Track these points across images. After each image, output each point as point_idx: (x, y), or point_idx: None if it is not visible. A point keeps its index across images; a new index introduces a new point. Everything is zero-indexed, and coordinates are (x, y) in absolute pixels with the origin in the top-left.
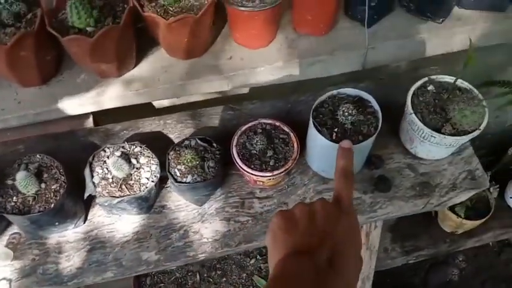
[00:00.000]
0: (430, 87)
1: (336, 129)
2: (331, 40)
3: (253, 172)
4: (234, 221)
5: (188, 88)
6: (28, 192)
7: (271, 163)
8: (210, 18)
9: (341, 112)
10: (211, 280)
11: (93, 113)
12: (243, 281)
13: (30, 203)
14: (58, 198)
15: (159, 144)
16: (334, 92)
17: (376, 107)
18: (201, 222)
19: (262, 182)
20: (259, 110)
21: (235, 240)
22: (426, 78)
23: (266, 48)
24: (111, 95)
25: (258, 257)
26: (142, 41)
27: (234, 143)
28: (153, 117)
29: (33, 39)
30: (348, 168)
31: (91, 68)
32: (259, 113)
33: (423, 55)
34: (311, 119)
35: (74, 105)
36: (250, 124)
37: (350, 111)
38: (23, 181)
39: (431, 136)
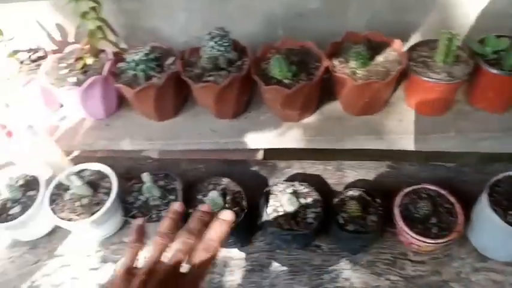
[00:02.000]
0: None
1: (511, 212)
2: (508, 119)
3: (415, 236)
4: (384, 278)
5: (357, 142)
6: (215, 209)
7: (433, 230)
8: (394, 84)
9: None
10: None
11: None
12: None
13: None
14: (239, 219)
15: (318, 187)
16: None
17: None
18: (352, 271)
19: (418, 246)
20: (418, 172)
21: None
22: None
23: (440, 117)
24: (288, 137)
25: None
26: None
27: (397, 203)
28: (314, 161)
29: (239, 83)
30: (217, 244)
31: (278, 112)
32: (418, 176)
33: None
34: (486, 195)
35: (255, 139)
36: (414, 187)
37: None
38: (213, 200)
39: None
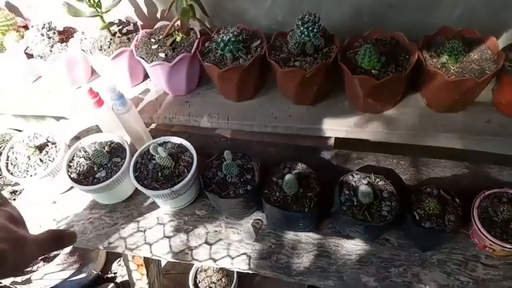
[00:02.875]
0: None
1: None
2: None
3: (492, 239)
4: (454, 277)
5: (438, 140)
6: (289, 192)
7: None
8: (487, 84)
9: None
10: None
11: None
12: None
13: (289, 202)
14: (312, 204)
15: (390, 181)
16: None
17: None
18: (421, 267)
19: (493, 249)
20: (497, 176)
21: None
22: None
23: None
24: (366, 128)
25: None
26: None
27: (476, 205)
28: (387, 154)
29: (324, 70)
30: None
31: (361, 101)
32: (498, 180)
33: None
34: None
35: (331, 128)
36: (495, 190)
37: None
38: (289, 183)
39: None
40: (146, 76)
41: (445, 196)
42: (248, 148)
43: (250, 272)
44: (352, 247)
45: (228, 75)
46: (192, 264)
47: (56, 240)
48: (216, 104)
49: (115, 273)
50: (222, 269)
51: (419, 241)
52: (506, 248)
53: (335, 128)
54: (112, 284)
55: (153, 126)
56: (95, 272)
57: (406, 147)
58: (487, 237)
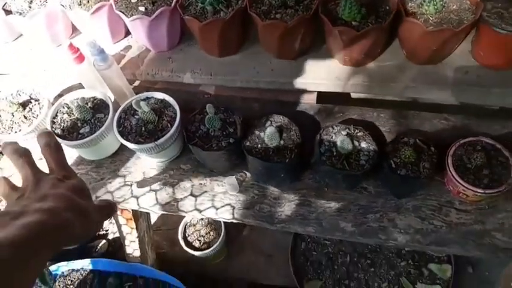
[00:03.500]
0: None
1: None
2: None
3: (465, 184)
4: (428, 222)
5: (418, 91)
6: (271, 144)
7: (485, 181)
8: (465, 34)
9: None
10: (359, 266)
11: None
12: (390, 277)
13: (270, 153)
14: (292, 155)
15: (371, 133)
16: None
17: None
18: (397, 213)
19: (466, 195)
20: (474, 127)
21: (426, 240)
22: None
23: (507, 71)
24: (347, 82)
25: (410, 261)
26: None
27: (451, 153)
28: (368, 108)
29: (306, 22)
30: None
31: (342, 54)
32: (474, 130)
33: None
34: None
35: (313, 82)
36: (470, 139)
37: None
38: (270, 135)
39: None
40: (128, 32)
41: (420, 145)
42: (232, 104)
43: (234, 221)
44: (332, 196)
45: (208, 29)
46: (181, 220)
47: (111, 208)
48: (199, 59)
49: (107, 231)
50: (210, 223)
51: (396, 188)
52: (478, 193)
53: (317, 81)
54: (104, 241)
55: (136, 83)
56: None
57: (387, 103)
58: (460, 184)
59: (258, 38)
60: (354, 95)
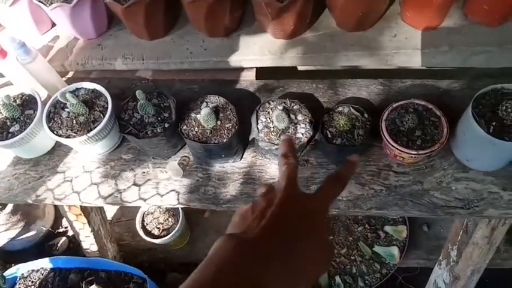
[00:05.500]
0: None
1: (494, 123)
2: (503, 32)
3: (399, 147)
4: (368, 187)
5: (349, 59)
6: (207, 126)
7: (418, 142)
8: None
9: (503, 107)
10: None
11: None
12: (349, 243)
13: (208, 135)
14: (230, 135)
15: (309, 105)
16: (499, 86)
17: None
18: None
19: (403, 158)
20: (409, 89)
21: (367, 205)
22: None
23: (434, 31)
24: (280, 55)
25: (366, 225)
26: (315, 8)
27: (384, 118)
28: (307, 80)
29: None
30: (346, 178)
31: (272, 27)
32: (409, 92)
33: None
34: (470, 108)
35: (247, 58)
36: (402, 102)
37: None
38: (206, 116)
39: None
40: (54, 22)
41: (354, 113)
42: (171, 87)
43: (180, 206)
44: (275, 171)
45: (132, 12)
46: (139, 209)
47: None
48: (129, 44)
49: (66, 228)
50: (168, 210)
51: (334, 158)
52: (413, 154)
53: (251, 57)
54: (64, 238)
55: (70, 74)
56: (44, 229)
57: (329, 73)
58: (394, 147)
59: (188, 17)
60: (300, 68)
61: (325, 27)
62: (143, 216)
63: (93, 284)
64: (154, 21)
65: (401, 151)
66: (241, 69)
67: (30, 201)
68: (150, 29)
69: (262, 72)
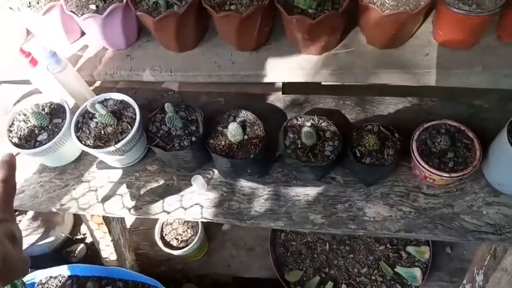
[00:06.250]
0: None
1: None
2: None
3: (430, 169)
4: (396, 208)
5: (380, 77)
6: (234, 140)
7: (450, 165)
8: (422, 16)
9: None
10: (339, 253)
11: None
12: (370, 263)
13: (234, 149)
14: (257, 150)
15: (336, 121)
16: None
17: None
18: (366, 201)
19: (433, 179)
20: (439, 109)
21: (396, 227)
22: None
23: (467, 51)
24: (309, 71)
25: (388, 245)
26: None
27: (415, 138)
28: (334, 96)
29: (262, 12)
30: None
31: (300, 44)
32: (439, 112)
33: None
34: (506, 131)
35: (275, 72)
36: (434, 122)
37: None
38: (233, 131)
39: None
40: (84, 32)
41: (384, 132)
42: (197, 100)
43: (203, 220)
44: (301, 189)
45: (163, 25)
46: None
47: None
48: (158, 56)
49: (84, 235)
50: (187, 222)
51: (363, 177)
52: (444, 177)
53: (279, 72)
54: (82, 245)
55: (97, 84)
56: (63, 235)
57: (354, 88)
58: (425, 168)
59: (217, 30)
60: (324, 82)
61: (355, 44)
62: (162, 227)
63: None
64: (185, 34)
65: (433, 173)
66: (268, 83)
67: (54, 210)
68: (180, 41)
69: (286, 87)
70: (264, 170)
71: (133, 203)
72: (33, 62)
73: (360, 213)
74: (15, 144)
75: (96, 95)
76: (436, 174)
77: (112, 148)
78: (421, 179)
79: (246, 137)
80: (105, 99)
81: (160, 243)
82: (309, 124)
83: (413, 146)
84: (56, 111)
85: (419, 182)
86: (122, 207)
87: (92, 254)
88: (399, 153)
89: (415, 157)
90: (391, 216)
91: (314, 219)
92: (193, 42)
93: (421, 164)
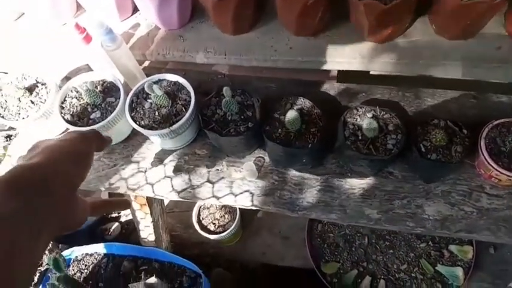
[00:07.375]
0: None
1: None
2: None
3: (499, 169)
4: (458, 208)
5: (447, 69)
6: (292, 129)
7: None
8: (500, 7)
9: None
10: (378, 247)
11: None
12: (410, 259)
13: (291, 138)
14: (315, 140)
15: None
16: None
17: None
18: (425, 199)
19: (499, 179)
20: (505, 105)
21: (456, 227)
22: None
23: None
24: (370, 59)
25: (430, 242)
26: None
27: (484, 135)
28: (391, 87)
29: None
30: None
31: (367, 30)
32: (506, 110)
33: None
34: None
35: (334, 60)
36: (504, 120)
37: None
38: (292, 119)
39: None
40: (136, 9)
41: (452, 127)
42: (247, 84)
43: (253, 208)
44: (356, 181)
45: (223, 5)
46: (194, 203)
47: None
48: (212, 38)
49: (119, 213)
50: (224, 206)
51: (425, 173)
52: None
53: (338, 59)
54: (117, 223)
55: (146, 64)
56: None
57: (411, 80)
58: (493, 167)
59: (273, 13)
60: (373, 72)
61: (421, 34)
62: (199, 211)
63: (144, 273)
64: (242, 17)
65: (501, 173)
66: (322, 70)
67: (103, 189)
68: (237, 23)
69: (344, 74)
70: (318, 160)
71: (183, 186)
72: (87, 38)
73: (419, 210)
74: (68, 121)
75: (146, 75)
76: (504, 174)
77: (167, 130)
78: (485, 178)
79: (303, 126)
80: (159, 80)
81: (197, 226)
82: (370, 115)
83: (482, 144)
84: (108, 90)
85: (482, 182)
86: (171, 190)
87: (126, 233)
88: (467, 150)
89: (484, 155)
90: (452, 216)
91: (370, 214)
92: (249, 24)
93: (489, 163)
